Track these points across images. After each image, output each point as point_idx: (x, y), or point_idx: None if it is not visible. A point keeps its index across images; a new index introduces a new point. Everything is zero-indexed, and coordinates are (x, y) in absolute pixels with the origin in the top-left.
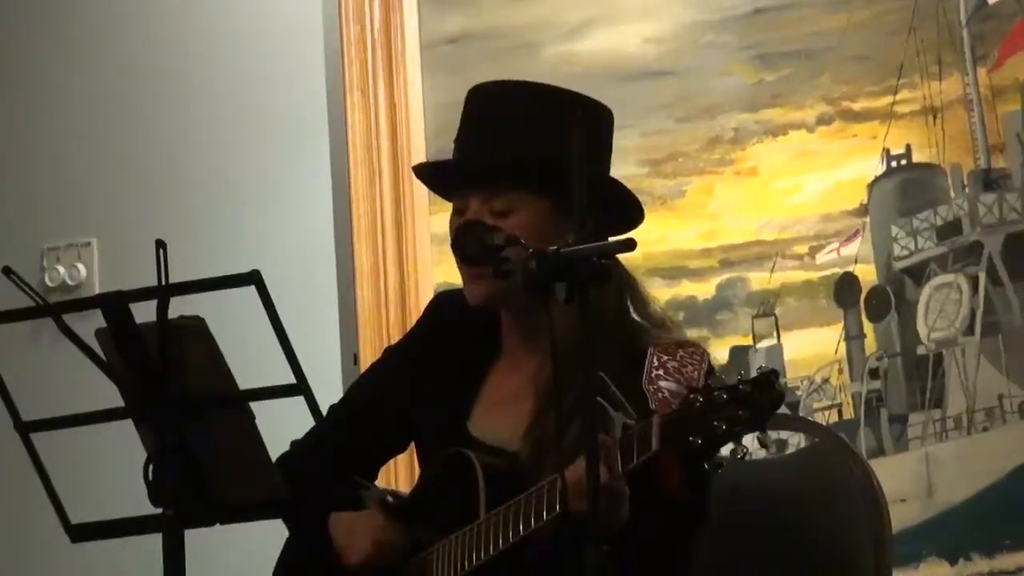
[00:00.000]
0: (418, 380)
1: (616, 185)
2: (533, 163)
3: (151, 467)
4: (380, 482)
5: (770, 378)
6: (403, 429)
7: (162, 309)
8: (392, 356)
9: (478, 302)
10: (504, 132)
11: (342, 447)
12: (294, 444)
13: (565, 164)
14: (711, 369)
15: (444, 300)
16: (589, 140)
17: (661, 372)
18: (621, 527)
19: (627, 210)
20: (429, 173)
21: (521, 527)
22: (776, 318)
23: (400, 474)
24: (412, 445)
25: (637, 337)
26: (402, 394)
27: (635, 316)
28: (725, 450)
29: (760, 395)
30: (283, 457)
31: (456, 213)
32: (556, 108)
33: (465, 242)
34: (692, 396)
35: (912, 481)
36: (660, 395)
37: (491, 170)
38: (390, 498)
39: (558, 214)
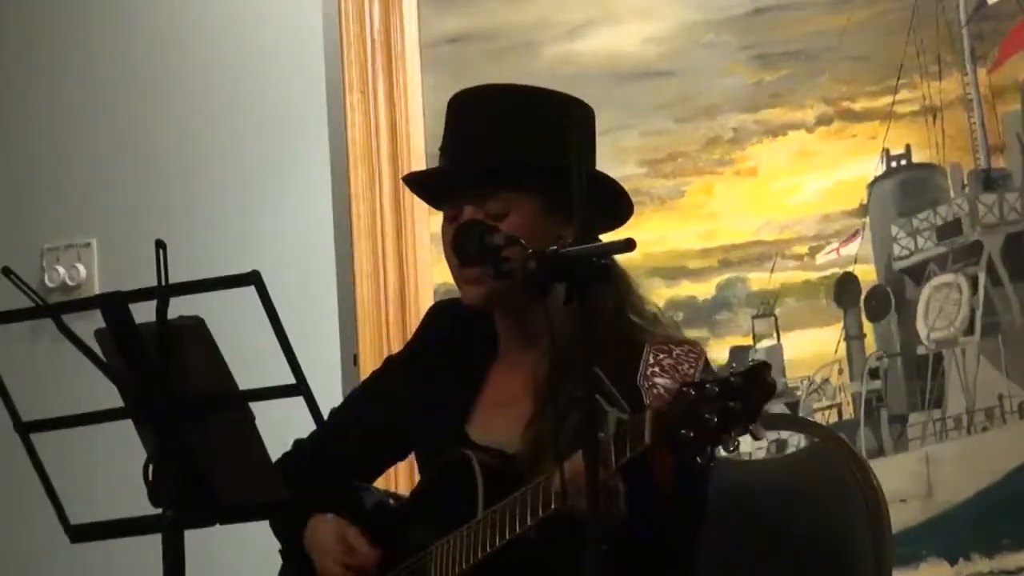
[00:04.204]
0: (417, 389)
1: (604, 180)
2: (524, 163)
3: (151, 467)
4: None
5: (761, 370)
6: (402, 438)
7: (162, 309)
8: (391, 366)
9: (475, 302)
10: (492, 135)
11: (341, 454)
12: (296, 444)
13: (556, 163)
14: (707, 366)
15: (441, 310)
16: (580, 138)
17: (657, 369)
18: (619, 524)
19: (616, 205)
20: (419, 182)
21: (518, 524)
22: (776, 318)
23: (400, 479)
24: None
25: (631, 334)
26: (402, 404)
27: (630, 314)
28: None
29: (751, 386)
30: (283, 459)
31: (449, 220)
32: (540, 108)
33: (465, 242)
34: (685, 390)
35: (912, 481)
36: (655, 391)
37: (483, 175)
38: (391, 501)
39: (550, 213)
